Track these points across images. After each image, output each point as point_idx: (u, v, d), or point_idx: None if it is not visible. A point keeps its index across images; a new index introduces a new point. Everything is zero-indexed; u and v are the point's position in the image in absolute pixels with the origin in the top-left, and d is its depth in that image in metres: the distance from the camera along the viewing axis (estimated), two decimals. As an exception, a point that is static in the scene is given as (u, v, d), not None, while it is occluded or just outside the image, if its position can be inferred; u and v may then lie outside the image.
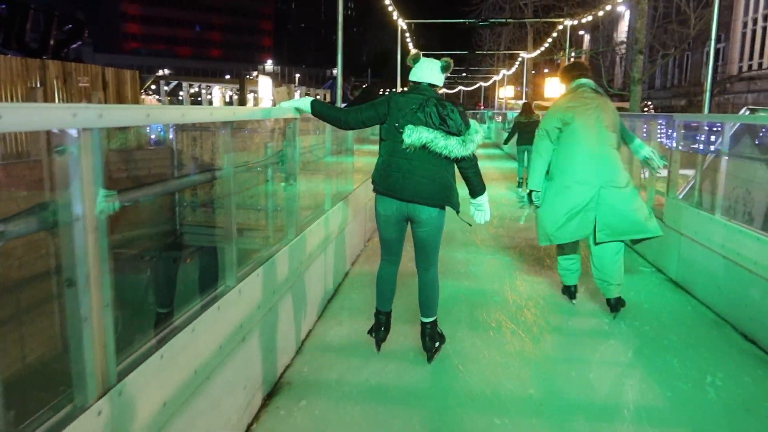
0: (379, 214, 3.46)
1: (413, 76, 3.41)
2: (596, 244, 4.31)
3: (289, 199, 3.70)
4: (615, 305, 4.36)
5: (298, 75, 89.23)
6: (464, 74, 35.93)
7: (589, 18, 14.07)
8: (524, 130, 10.81)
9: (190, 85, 19.55)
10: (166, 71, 58.28)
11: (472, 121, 3.33)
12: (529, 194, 4.52)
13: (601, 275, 4.37)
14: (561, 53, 14.89)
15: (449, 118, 3.22)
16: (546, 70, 27.29)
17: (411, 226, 3.49)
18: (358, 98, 8.80)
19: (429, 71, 3.37)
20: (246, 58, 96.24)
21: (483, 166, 3.59)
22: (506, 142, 12.11)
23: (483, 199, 3.55)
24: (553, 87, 15.05)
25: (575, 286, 4.74)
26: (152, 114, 1.99)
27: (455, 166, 3.38)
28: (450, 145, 3.20)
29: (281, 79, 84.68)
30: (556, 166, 4.32)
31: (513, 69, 25.19)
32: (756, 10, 24.54)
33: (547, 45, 15.30)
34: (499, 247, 6.80)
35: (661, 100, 32.51)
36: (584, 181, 4.17)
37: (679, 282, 5.31)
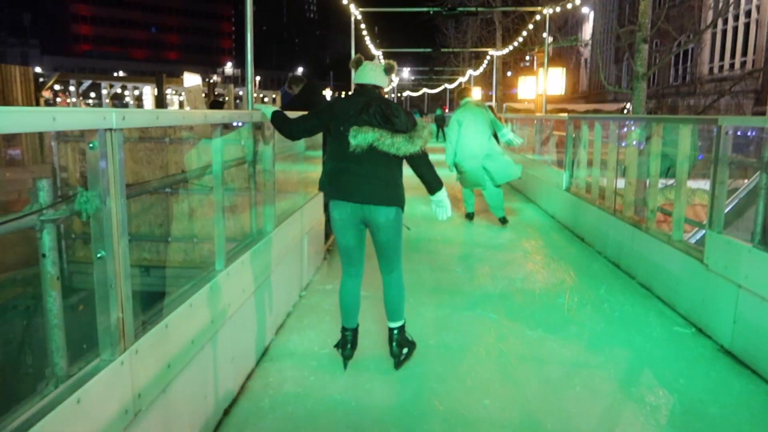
0: (335, 220, 3.39)
1: (357, 79, 3.42)
2: (486, 189, 7.82)
3: (215, 222, 3.13)
4: (502, 220, 7.90)
5: (258, 77, 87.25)
6: (428, 77, 34.82)
7: (569, 5, 12.99)
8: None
9: (111, 85, 17.68)
10: (121, 74, 55.94)
11: (418, 120, 3.35)
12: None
13: (493, 205, 7.94)
14: (537, 48, 13.84)
15: (394, 116, 3.22)
16: (511, 73, 26.57)
17: (370, 231, 3.43)
18: (300, 95, 7.95)
19: (372, 73, 3.40)
20: (205, 61, 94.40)
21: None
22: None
23: (442, 194, 3.48)
24: (528, 87, 14.01)
25: (472, 213, 8.32)
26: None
27: (402, 167, 3.39)
28: (397, 143, 3.18)
29: (241, 82, 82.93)
30: (460, 149, 7.68)
31: (481, 68, 24.19)
32: (726, 11, 24.08)
33: (520, 40, 14.28)
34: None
35: (610, 104, 32.06)
36: (474, 156, 7.57)
37: (737, 354, 3.71)
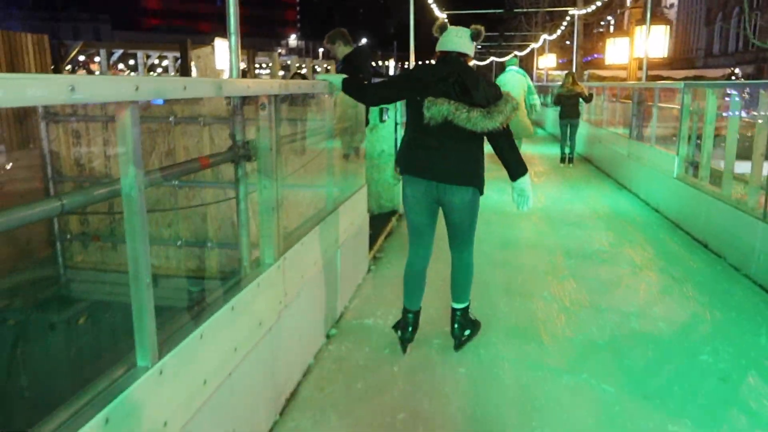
0: (407, 196, 3.22)
1: (441, 46, 3.14)
2: None
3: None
4: None
5: (321, 49, 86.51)
6: (497, 43, 32.29)
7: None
8: (567, 102, 10.44)
9: (147, 56, 16.44)
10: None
11: (504, 92, 3.07)
12: None
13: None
14: (632, 1, 11.73)
15: (475, 89, 2.99)
16: (601, 30, 23.78)
17: (443, 210, 3.22)
18: (351, 59, 6.87)
19: (458, 39, 3.12)
20: (269, 33, 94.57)
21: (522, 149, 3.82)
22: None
23: (524, 181, 3.22)
24: (618, 51, 11.88)
25: None
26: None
27: (483, 144, 3.14)
28: (473, 118, 2.94)
29: (305, 54, 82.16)
30: None
31: (558, 32, 21.72)
32: None
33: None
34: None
35: (721, 68, 28.69)
36: None
37: None
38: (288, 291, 2.81)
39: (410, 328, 3.33)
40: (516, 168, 3.20)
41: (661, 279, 4.57)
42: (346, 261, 4.01)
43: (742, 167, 6.36)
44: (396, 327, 3.39)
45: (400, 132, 6.95)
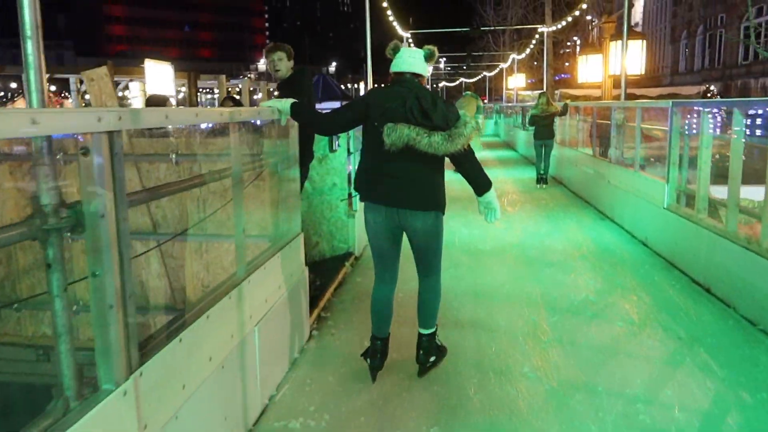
0: (368, 222, 3.18)
1: (395, 67, 3.16)
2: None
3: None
4: None
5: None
6: (465, 64, 31.85)
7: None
8: (542, 123, 10.29)
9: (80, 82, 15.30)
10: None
11: (462, 113, 3.05)
12: None
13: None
14: (604, 17, 11.15)
15: (433, 111, 2.95)
16: (567, 51, 23.38)
17: (407, 235, 3.16)
18: (293, 80, 6.25)
19: (411, 60, 3.13)
20: (239, 57, 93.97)
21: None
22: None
23: (491, 195, 3.19)
24: (592, 69, 11.27)
25: None
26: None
27: (444, 166, 3.12)
28: (435, 143, 2.90)
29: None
30: None
31: (527, 51, 21.20)
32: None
33: (580, 11, 11.64)
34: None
35: (681, 87, 28.60)
36: None
37: None
38: (150, 421, 1.88)
39: (379, 356, 3.27)
40: (481, 184, 3.16)
41: (666, 342, 3.72)
42: (269, 339, 3.08)
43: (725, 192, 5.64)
44: (365, 355, 3.33)
45: (355, 162, 6.09)
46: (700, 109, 4.96)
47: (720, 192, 5.23)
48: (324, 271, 5.51)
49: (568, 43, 37.13)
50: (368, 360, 3.29)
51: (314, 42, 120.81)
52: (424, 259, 3.22)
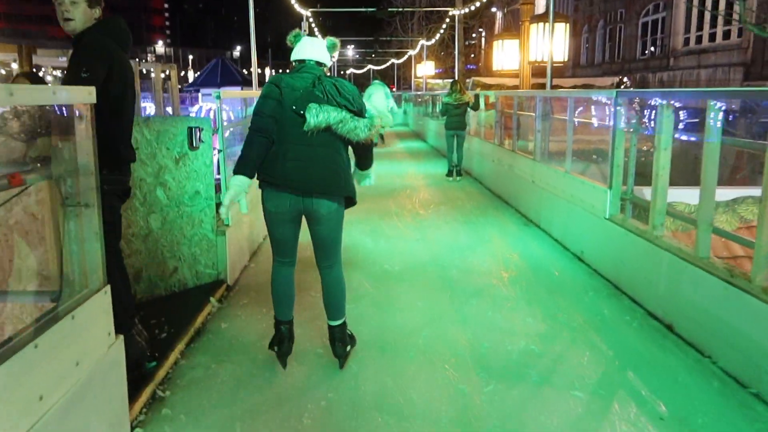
0: (270, 212, 3.05)
1: (297, 55, 3.11)
2: None
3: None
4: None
5: (191, 56, 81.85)
6: (372, 50, 30.57)
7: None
8: (454, 112, 9.81)
9: None
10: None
11: (364, 102, 3.08)
12: None
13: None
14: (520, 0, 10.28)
15: (349, 95, 2.97)
16: (473, 42, 22.60)
17: (307, 222, 3.10)
18: (77, 45, 4.87)
19: (313, 48, 3.11)
20: (135, 39, 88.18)
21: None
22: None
23: (370, 171, 3.40)
24: (508, 56, 10.41)
25: None
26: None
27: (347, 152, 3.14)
28: (359, 127, 2.96)
29: (174, 61, 76.86)
30: None
31: (437, 36, 20.21)
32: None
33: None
34: None
35: (588, 78, 29.02)
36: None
37: None
38: None
39: (287, 341, 3.20)
40: (367, 164, 3.32)
41: (647, 426, 2.66)
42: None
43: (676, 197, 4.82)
44: (272, 344, 3.23)
45: (224, 164, 4.69)
46: (657, 101, 3.98)
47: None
48: (180, 310, 4.10)
49: (473, 35, 36.81)
50: (275, 348, 3.20)
51: (218, 26, 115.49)
52: (327, 249, 3.14)
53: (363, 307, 4.08)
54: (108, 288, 2.39)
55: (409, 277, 4.78)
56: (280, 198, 2.97)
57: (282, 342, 3.18)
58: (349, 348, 3.27)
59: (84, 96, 2.18)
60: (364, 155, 3.24)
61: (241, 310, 4.06)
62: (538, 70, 10.24)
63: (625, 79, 20.50)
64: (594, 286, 4.53)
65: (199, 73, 34.89)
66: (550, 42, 7.07)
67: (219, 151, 4.68)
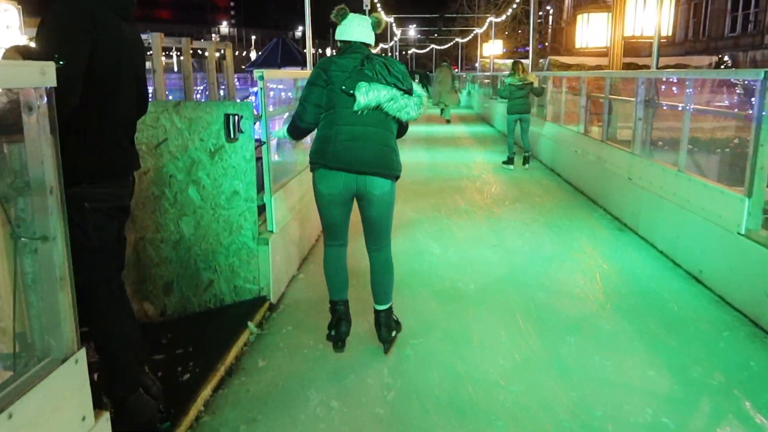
0: (322, 194, 3.02)
1: (342, 35, 3.07)
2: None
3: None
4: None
5: (254, 37, 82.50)
6: (436, 28, 29.20)
7: None
8: (516, 94, 8.97)
9: None
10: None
11: (415, 84, 3.06)
12: None
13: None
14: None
15: (400, 74, 2.94)
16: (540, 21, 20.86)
17: (359, 204, 3.07)
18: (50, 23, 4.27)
19: (360, 28, 3.06)
20: (199, 19, 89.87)
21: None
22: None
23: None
24: (594, 31, 9.25)
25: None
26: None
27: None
28: (409, 105, 2.94)
29: (238, 42, 77.51)
30: None
31: (508, 13, 18.83)
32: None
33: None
34: None
35: (673, 57, 26.76)
36: None
37: None
38: None
39: (343, 322, 3.15)
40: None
41: None
42: None
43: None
44: (329, 326, 3.18)
45: (267, 157, 3.95)
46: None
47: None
48: (212, 335, 3.43)
49: (540, 13, 34.73)
50: (332, 331, 3.15)
51: (281, 7, 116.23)
52: (379, 231, 3.10)
53: (433, 343, 3.27)
54: (82, 354, 1.67)
55: (487, 299, 3.93)
56: (333, 179, 2.94)
57: (339, 324, 3.14)
58: (394, 333, 3.23)
59: (33, 77, 1.44)
60: (401, 134, 3.19)
61: (283, 340, 3.34)
62: (626, 48, 9.04)
63: (726, 58, 18.57)
64: (726, 323, 3.55)
65: (260, 53, 34.74)
66: (658, 12, 5.93)
67: (262, 143, 3.94)
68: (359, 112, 2.88)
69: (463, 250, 4.99)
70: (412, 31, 44.48)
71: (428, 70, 45.83)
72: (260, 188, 3.88)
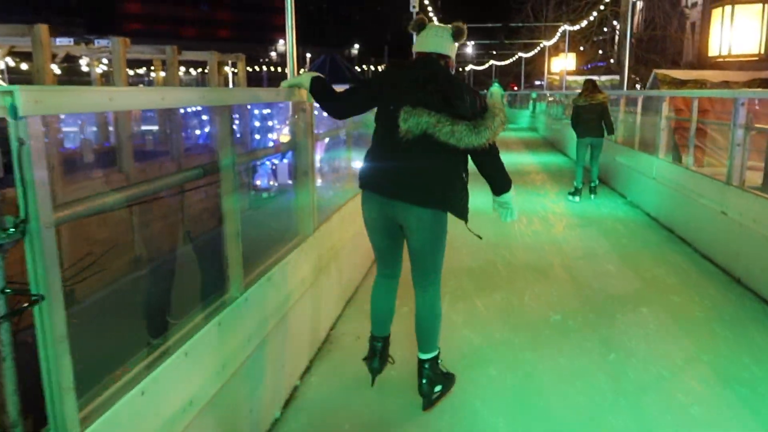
0: (365, 218, 2.97)
1: (418, 47, 2.89)
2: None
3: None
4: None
5: (309, 55, 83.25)
6: (498, 42, 27.33)
7: None
8: (585, 117, 8.04)
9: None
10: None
11: (491, 103, 2.78)
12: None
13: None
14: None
15: (459, 98, 2.69)
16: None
17: (404, 233, 2.88)
18: None
19: (437, 39, 2.84)
20: (258, 38, 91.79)
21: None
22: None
23: (509, 196, 2.96)
24: (740, 32, 7.41)
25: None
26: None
27: (467, 162, 2.82)
28: (458, 132, 2.62)
29: (298, 61, 78.33)
30: None
31: (591, 18, 16.57)
32: None
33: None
34: None
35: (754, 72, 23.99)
36: None
37: None
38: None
39: (378, 357, 3.04)
40: (501, 185, 2.92)
41: None
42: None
43: None
44: (366, 358, 3.10)
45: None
46: None
47: None
48: None
49: (604, 29, 32.17)
50: (367, 363, 3.07)
51: (338, 24, 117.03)
52: (420, 264, 2.89)
53: None
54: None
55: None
56: (370, 202, 2.86)
57: (373, 358, 3.02)
58: (439, 389, 2.93)
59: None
60: (486, 170, 2.81)
61: None
62: (734, 63, 7.19)
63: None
64: None
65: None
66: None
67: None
68: (404, 138, 2.64)
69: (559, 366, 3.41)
70: (470, 47, 42.96)
71: (486, 88, 44.07)
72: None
